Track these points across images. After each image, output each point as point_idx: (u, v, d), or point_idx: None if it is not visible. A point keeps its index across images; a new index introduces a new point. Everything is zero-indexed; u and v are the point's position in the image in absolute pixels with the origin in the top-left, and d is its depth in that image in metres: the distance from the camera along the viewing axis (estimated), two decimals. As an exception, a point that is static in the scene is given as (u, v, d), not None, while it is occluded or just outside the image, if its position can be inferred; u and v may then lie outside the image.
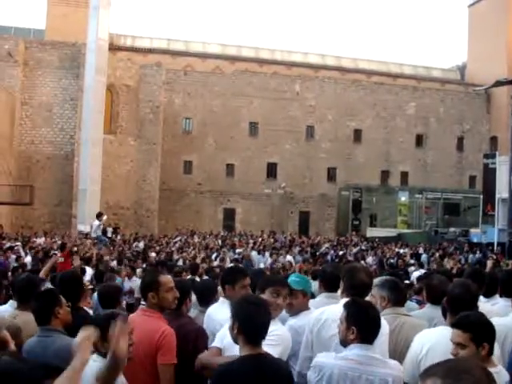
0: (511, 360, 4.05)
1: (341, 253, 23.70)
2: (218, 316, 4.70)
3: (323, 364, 3.68)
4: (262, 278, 4.79)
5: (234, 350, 3.98)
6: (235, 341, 3.55)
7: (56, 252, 14.69)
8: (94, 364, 3.62)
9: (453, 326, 3.63)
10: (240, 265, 14.65)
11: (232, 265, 14.66)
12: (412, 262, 20.23)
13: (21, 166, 36.05)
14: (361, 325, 3.63)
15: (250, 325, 3.48)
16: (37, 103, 36.68)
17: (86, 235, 24.45)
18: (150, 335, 4.01)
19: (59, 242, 22.88)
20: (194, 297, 6.40)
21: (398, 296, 4.74)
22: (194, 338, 4.40)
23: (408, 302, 6.52)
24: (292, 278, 4.81)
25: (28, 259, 16.60)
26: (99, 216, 23.80)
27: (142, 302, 4.84)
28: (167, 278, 4.35)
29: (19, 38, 37.80)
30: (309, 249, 24.93)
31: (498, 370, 3.42)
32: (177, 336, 4.11)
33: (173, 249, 21.80)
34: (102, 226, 24.08)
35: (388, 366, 3.63)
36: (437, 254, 22.91)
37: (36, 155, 36.61)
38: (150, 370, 3.99)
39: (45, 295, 4.31)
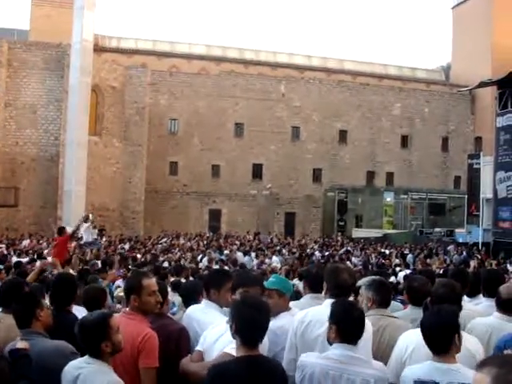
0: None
1: (326, 253, 23.73)
2: (203, 318, 4.66)
3: (306, 363, 3.73)
4: (235, 278, 4.78)
5: (213, 351, 4.00)
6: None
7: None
8: (89, 366, 3.61)
9: None
10: (226, 266, 14.63)
11: (217, 267, 14.65)
12: (398, 262, 20.34)
13: (5, 167, 35.77)
14: (340, 324, 3.67)
15: (247, 327, 3.48)
16: (21, 104, 36.39)
17: (73, 235, 24.03)
18: (132, 338, 3.98)
19: (45, 244, 22.78)
20: (179, 298, 6.41)
21: (383, 297, 4.75)
22: (176, 338, 4.39)
23: (392, 302, 6.55)
24: (269, 279, 4.82)
25: (14, 259, 16.52)
26: (86, 219, 23.13)
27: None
28: (150, 282, 4.28)
29: (3, 38, 37.44)
30: (295, 250, 24.95)
31: (455, 368, 3.49)
32: (159, 336, 4.09)
33: (157, 251, 21.71)
34: (89, 230, 23.37)
35: (371, 366, 3.66)
36: (422, 255, 23.02)
37: (21, 157, 36.32)
38: (133, 374, 3.97)
39: (25, 298, 4.28)
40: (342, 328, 3.67)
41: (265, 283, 4.70)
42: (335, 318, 3.72)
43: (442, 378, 3.47)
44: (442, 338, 3.54)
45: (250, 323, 3.48)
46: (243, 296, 4.02)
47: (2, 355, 3.56)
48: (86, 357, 3.64)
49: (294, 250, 24.34)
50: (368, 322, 4.13)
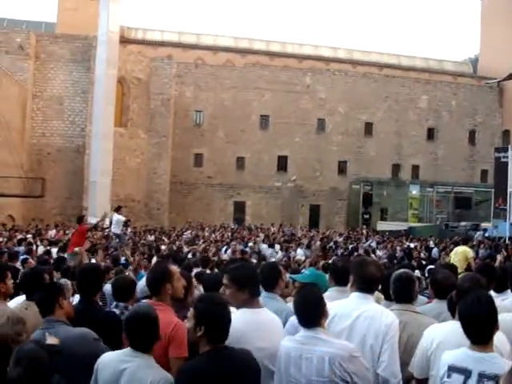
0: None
1: (351, 246, 23.57)
2: None
3: (280, 346, 3.83)
4: None
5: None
6: (195, 342, 3.50)
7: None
8: (135, 360, 3.55)
9: None
10: (253, 259, 14.60)
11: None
12: (423, 256, 20.17)
13: (32, 158, 36.20)
14: (299, 309, 3.81)
15: (217, 328, 3.45)
16: (48, 96, 36.77)
17: (95, 227, 24.01)
18: (162, 328, 4.01)
19: (69, 234, 22.88)
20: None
21: (400, 291, 4.66)
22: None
23: (419, 297, 6.47)
24: (304, 272, 4.81)
25: (41, 249, 16.66)
26: (118, 209, 22.69)
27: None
28: (175, 268, 4.46)
29: (31, 31, 37.85)
30: (319, 242, 24.79)
31: (489, 358, 3.45)
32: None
33: (181, 242, 21.73)
34: (121, 224, 22.44)
35: (330, 345, 3.66)
36: (448, 249, 22.73)
37: (47, 148, 36.74)
38: (162, 363, 4.00)
39: (48, 287, 4.32)
40: (299, 313, 3.80)
41: (297, 276, 4.70)
42: (293, 304, 3.89)
43: (475, 367, 3.42)
44: (484, 327, 3.48)
45: (219, 324, 3.46)
46: (205, 295, 3.99)
47: (42, 344, 3.55)
48: (129, 349, 3.58)
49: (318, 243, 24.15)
50: (394, 316, 4.09)
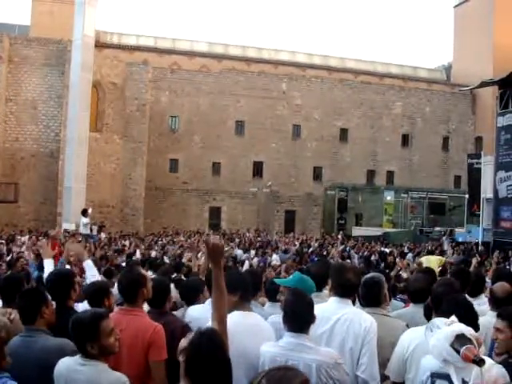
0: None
1: (325, 252, 23.58)
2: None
3: (262, 352, 3.86)
4: None
5: None
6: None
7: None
8: (86, 368, 3.51)
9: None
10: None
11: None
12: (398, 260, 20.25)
13: (5, 163, 35.78)
14: (288, 313, 3.82)
15: None
16: (22, 100, 36.40)
17: (68, 233, 23.97)
18: (141, 333, 4.08)
19: (44, 241, 22.65)
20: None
21: (365, 295, 4.75)
22: (180, 335, 4.37)
23: (393, 301, 6.52)
24: (292, 276, 4.81)
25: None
26: (84, 213, 23.28)
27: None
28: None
29: (4, 34, 37.41)
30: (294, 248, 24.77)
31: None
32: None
33: (156, 248, 21.62)
34: (89, 225, 23.41)
35: (316, 352, 3.72)
36: (422, 254, 22.88)
37: (21, 153, 36.34)
38: (143, 368, 4.05)
39: (31, 294, 4.24)
40: (289, 317, 3.81)
41: (282, 280, 4.70)
42: (284, 307, 3.90)
43: (458, 373, 3.41)
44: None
45: None
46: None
47: None
48: (78, 357, 3.56)
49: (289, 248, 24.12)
50: (373, 321, 4.12)
